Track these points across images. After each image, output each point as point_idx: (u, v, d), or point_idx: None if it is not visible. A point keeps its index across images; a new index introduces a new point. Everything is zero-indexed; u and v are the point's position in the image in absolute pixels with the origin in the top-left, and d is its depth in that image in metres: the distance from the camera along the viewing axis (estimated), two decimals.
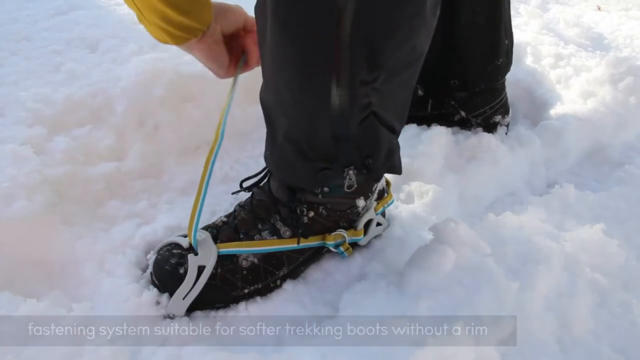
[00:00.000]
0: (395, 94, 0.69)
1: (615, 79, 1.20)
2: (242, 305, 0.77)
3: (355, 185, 0.75)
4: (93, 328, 0.68)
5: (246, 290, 0.77)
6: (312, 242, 0.79)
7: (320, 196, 0.77)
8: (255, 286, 0.77)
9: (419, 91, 1.08)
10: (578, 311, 0.76)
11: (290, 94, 0.67)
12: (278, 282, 0.79)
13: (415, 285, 0.73)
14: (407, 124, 1.11)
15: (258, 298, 0.78)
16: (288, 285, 0.80)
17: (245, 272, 0.77)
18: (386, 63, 0.63)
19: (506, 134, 1.13)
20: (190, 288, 0.74)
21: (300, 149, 0.71)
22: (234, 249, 0.77)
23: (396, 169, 0.77)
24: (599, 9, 1.75)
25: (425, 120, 1.10)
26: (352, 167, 0.72)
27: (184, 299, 0.74)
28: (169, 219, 0.88)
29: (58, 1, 1.32)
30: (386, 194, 0.86)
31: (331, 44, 0.60)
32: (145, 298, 0.75)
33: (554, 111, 1.19)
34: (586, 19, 1.62)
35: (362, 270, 0.82)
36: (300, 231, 0.77)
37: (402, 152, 1.03)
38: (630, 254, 0.86)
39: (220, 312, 0.77)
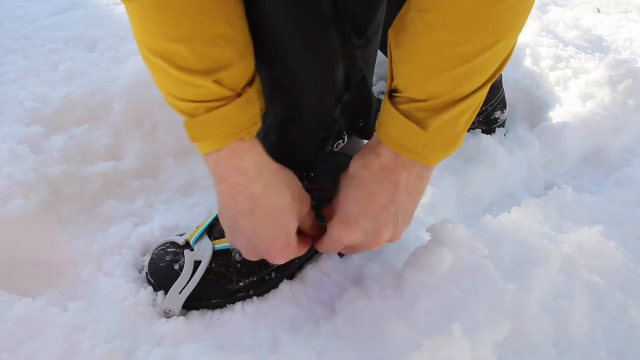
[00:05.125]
0: (371, 58, 0.71)
1: (614, 81, 1.20)
2: (238, 305, 0.77)
3: (344, 144, 0.75)
4: (89, 327, 0.68)
5: (241, 284, 0.77)
6: None
7: (306, 183, 0.77)
8: (251, 279, 0.77)
9: None
10: (575, 313, 0.76)
11: (300, 71, 0.66)
12: (273, 274, 0.79)
13: (413, 286, 0.73)
14: None
15: (255, 298, 0.78)
16: (285, 285, 0.80)
17: (239, 265, 0.77)
18: (368, 30, 0.65)
19: (505, 135, 1.13)
20: (186, 282, 0.75)
21: (305, 125, 0.71)
22: (229, 244, 0.76)
23: None
24: (598, 11, 1.75)
25: None
26: (345, 131, 0.73)
27: (180, 293, 0.75)
28: (166, 219, 0.88)
29: (57, 0, 1.32)
30: None
31: (326, 10, 0.61)
32: (141, 298, 0.75)
33: (552, 113, 1.19)
34: (586, 22, 1.62)
35: (360, 271, 0.82)
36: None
37: None
38: (628, 257, 0.86)
39: (217, 312, 0.77)
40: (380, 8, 0.66)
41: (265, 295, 0.79)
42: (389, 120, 0.62)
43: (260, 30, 0.63)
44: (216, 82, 0.56)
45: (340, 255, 0.84)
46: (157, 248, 0.79)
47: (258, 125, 0.62)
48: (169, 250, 0.78)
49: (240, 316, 0.76)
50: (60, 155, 0.89)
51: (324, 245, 0.71)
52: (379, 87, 1.20)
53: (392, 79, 0.62)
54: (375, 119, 0.75)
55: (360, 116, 0.73)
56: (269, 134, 0.73)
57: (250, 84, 0.60)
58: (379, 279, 0.78)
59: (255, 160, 0.61)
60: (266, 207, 0.63)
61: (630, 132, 1.19)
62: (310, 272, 0.82)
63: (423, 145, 0.61)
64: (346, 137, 0.74)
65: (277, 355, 0.69)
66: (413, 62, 0.59)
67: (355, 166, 0.67)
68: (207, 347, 0.70)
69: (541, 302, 0.75)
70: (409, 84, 0.60)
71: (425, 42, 0.57)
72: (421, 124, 0.60)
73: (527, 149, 1.10)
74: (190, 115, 0.58)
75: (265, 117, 0.72)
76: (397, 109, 0.61)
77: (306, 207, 0.68)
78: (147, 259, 0.79)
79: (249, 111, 0.60)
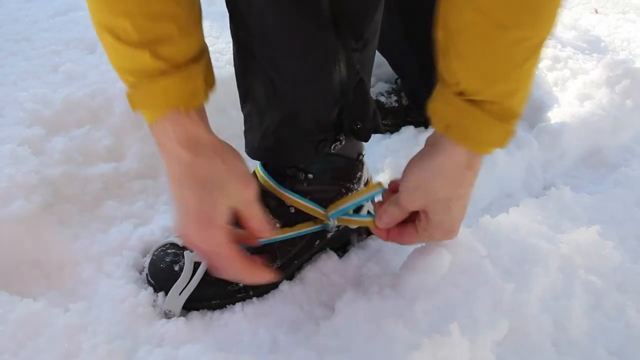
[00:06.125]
0: (368, 60, 0.72)
1: (612, 81, 1.21)
2: (238, 305, 0.78)
3: (342, 145, 0.76)
4: (90, 328, 0.68)
5: (241, 284, 0.77)
6: (302, 229, 0.78)
7: (305, 184, 0.77)
8: None
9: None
10: (573, 313, 0.76)
11: (296, 75, 0.67)
12: None
13: (411, 286, 0.73)
14: (405, 126, 1.13)
15: (254, 299, 0.79)
16: (284, 286, 0.80)
17: None
18: (365, 33, 0.66)
19: None
20: (186, 283, 0.75)
21: (303, 127, 0.71)
22: None
23: (380, 129, 0.78)
24: (596, 12, 1.76)
25: (424, 123, 1.11)
26: (342, 133, 0.74)
27: (180, 294, 0.75)
28: (166, 220, 0.88)
29: (57, 2, 1.32)
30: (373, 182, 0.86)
31: (324, 14, 0.62)
32: (142, 298, 0.75)
33: (551, 113, 1.20)
34: (583, 22, 1.62)
35: (359, 272, 0.82)
36: (278, 225, 0.77)
37: (399, 154, 1.04)
38: (626, 256, 0.86)
39: (217, 313, 0.77)
40: (378, 10, 0.66)
41: (265, 295, 0.79)
42: (479, 125, 0.62)
43: (257, 32, 0.64)
44: (153, 54, 0.58)
45: (339, 255, 0.84)
46: (157, 249, 0.80)
47: (199, 99, 0.63)
48: (169, 251, 0.79)
49: (240, 316, 0.76)
50: (60, 156, 0.90)
51: (408, 238, 0.73)
52: (377, 89, 1.20)
53: (457, 82, 0.61)
54: (373, 119, 0.75)
55: (358, 118, 0.73)
56: (266, 135, 0.73)
57: (195, 60, 0.62)
58: (377, 279, 0.78)
59: (187, 130, 0.62)
60: (195, 176, 0.62)
61: (629, 131, 1.20)
62: (310, 273, 0.82)
63: (509, 139, 0.63)
64: (344, 138, 0.75)
65: (276, 355, 0.69)
66: (486, 64, 0.60)
67: (446, 191, 0.66)
68: (207, 347, 0.70)
69: (540, 302, 0.75)
70: (485, 86, 0.60)
71: (498, 42, 0.58)
72: (509, 121, 0.62)
73: (526, 149, 1.10)
74: (133, 86, 0.62)
75: (262, 119, 0.72)
76: (487, 111, 0.61)
77: (247, 191, 0.65)
78: (147, 260, 0.80)
79: (187, 85, 0.62)
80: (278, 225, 0.77)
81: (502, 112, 0.61)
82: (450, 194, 0.66)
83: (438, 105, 0.64)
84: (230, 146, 0.67)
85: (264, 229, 0.68)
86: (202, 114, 0.64)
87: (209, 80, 0.65)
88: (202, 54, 0.63)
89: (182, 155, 0.62)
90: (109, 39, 0.58)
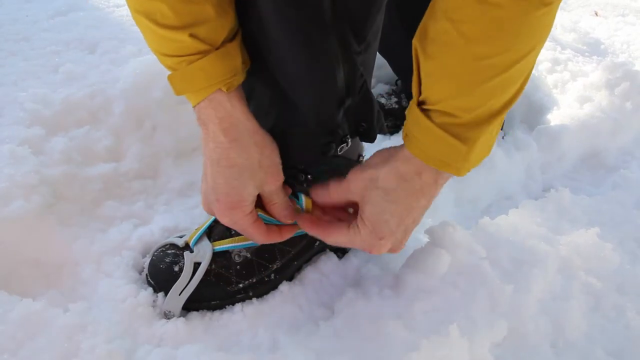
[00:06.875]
0: (370, 62, 0.72)
1: (611, 84, 1.21)
2: (237, 306, 0.78)
3: (348, 147, 0.76)
4: (89, 328, 0.68)
5: (241, 285, 0.77)
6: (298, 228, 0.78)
7: (304, 185, 0.77)
8: (250, 280, 0.78)
9: None
10: (572, 314, 0.76)
11: (301, 78, 0.67)
12: (272, 276, 0.79)
13: (411, 287, 0.73)
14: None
15: (254, 299, 0.79)
16: (284, 286, 0.80)
17: (238, 267, 0.77)
18: (367, 34, 0.66)
19: (502, 138, 1.14)
20: (186, 284, 0.75)
21: (307, 129, 0.72)
22: (228, 245, 0.78)
23: (384, 130, 0.79)
24: (596, 14, 1.76)
25: None
26: (348, 135, 0.74)
27: (180, 294, 0.75)
28: (166, 220, 0.88)
29: (57, 2, 1.32)
30: None
31: (326, 17, 0.62)
32: (141, 298, 0.75)
33: (550, 116, 1.20)
34: (583, 24, 1.63)
35: (358, 272, 0.82)
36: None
37: None
38: (624, 258, 0.86)
39: (216, 313, 0.77)
40: (379, 13, 0.66)
41: (264, 296, 0.79)
42: (426, 136, 0.61)
43: (261, 37, 0.64)
44: (192, 36, 0.59)
45: (339, 256, 0.84)
46: (157, 249, 0.80)
47: (238, 77, 0.64)
48: (169, 251, 0.79)
49: (240, 317, 0.77)
50: (60, 156, 0.90)
51: (336, 234, 0.69)
52: (377, 90, 1.21)
53: (420, 91, 0.61)
54: (378, 120, 0.75)
55: (363, 119, 0.73)
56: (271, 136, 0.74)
57: (230, 39, 0.63)
58: (377, 280, 0.78)
59: (228, 113, 0.64)
60: (229, 160, 0.65)
61: (628, 134, 1.20)
62: (309, 274, 0.83)
63: (464, 160, 0.61)
64: (350, 140, 0.75)
65: (276, 356, 0.69)
66: (448, 74, 0.58)
67: (389, 180, 0.64)
68: (207, 347, 0.70)
69: (538, 303, 0.76)
70: (444, 97, 0.59)
71: (462, 54, 0.57)
72: (461, 138, 0.60)
73: (525, 151, 1.10)
74: (174, 69, 0.63)
75: (265, 121, 0.72)
76: (435, 123, 0.60)
77: (274, 183, 0.69)
78: (147, 261, 0.80)
79: (227, 64, 0.62)
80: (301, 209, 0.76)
81: (453, 125, 0.60)
82: (394, 185, 0.64)
83: (406, 113, 0.65)
84: (268, 135, 0.68)
85: (284, 215, 0.71)
86: (241, 96, 0.65)
87: (245, 59, 0.66)
88: (237, 33, 0.64)
89: (221, 138, 0.64)
90: (146, 23, 0.59)
